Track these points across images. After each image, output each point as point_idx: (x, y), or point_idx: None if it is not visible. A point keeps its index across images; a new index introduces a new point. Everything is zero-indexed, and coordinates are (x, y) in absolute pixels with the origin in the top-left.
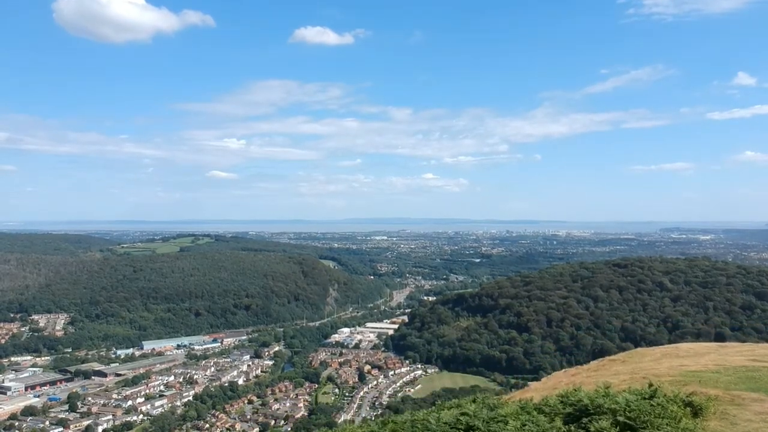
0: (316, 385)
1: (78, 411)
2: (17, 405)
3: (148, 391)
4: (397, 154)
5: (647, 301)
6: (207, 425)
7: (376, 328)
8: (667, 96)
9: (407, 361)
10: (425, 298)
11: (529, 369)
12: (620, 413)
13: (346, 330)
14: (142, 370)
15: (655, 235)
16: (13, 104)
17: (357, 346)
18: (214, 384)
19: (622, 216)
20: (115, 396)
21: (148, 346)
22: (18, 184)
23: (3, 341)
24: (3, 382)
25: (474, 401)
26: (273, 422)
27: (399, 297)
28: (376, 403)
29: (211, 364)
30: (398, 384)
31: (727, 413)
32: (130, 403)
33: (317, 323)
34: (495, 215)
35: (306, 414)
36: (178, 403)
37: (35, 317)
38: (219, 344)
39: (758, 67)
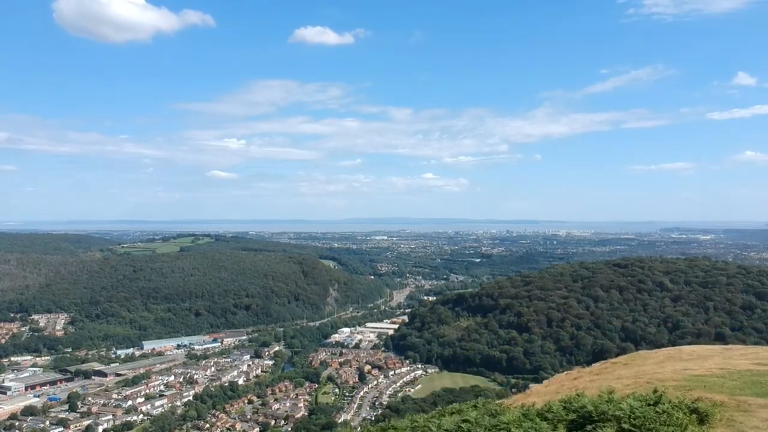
0: (317, 385)
1: (78, 411)
2: (17, 405)
3: (148, 391)
4: (397, 154)
5: (647, 301)
6: (207, 425)
7: (377, 328)
8: (667, 96)
9: (407, 361)
10: (425, 298)
11: (530, 369)
12: (625, 420)
13: (346, 330)
14: (142, 370)
15: (655, 235)
16: (13, 104)
17: (357, 346)
18: (214, 384)
19: (622, 216)
20: (115, 396)
21: (148, 346)
22: (18, 184)
23: (3, 341)
24: (3, 381)
25: (475, 407)
26: (273, 422)
27: (399, 297)
28: (377, 403)
29: (211, 364)
30: (398, 384)
31: (733, 420)
32: (130, 403)
33: (317, 323)
34: (495, 215)
35: (306, 414)
36: (179, 403)
37: (35, 317)
38: (219, 344)
39: (758, 67)
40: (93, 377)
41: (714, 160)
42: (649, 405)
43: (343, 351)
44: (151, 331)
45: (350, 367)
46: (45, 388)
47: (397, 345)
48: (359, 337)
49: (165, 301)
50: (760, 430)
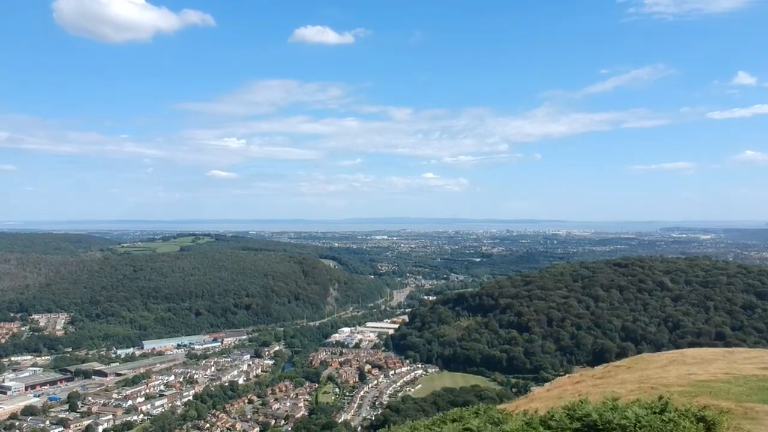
0: (317, 385)
1: (78, 411)
2: (17, 405)
3: (148, 390)
4: (397, 153)
5: (648, 301)
6: (207, 425)
7: (377, 327)
8: (667, 95)
9: (407, 361)
10: (425, 297)
11: (530, 369)
12: (630, 429)
13: (346, 329)
14: (142, 370)
15: (655, 234)
16: (13, 104)
17: (357, 346)
18: (214, 383)
19: (622, 215)
20: (115, 396)
21: (149, 345)
22: (18, 184)
23: (3, 341)
24: (3, 381)
25: (477, 414)
26: (273, 422)
27: (399, 296)
28: (377, 403)
29: (212, 363)
30: (398, 383)
31: (740, 428)
32: (130, 402)
33: (317, 323)
34: (495, 215)
35: (306, 414)
36: (179, 403)
37: (35, 317)
38: (219, 344)
39: (758, 66)
40: (93, 377)
41: (714, 160)
42: (655, 413)
43: (344, 351)
44: (151, 331)
45: (350, 366)
46: (45, 387)
47: (398, 345)
48: (359, 336)
49: (165, 300)
50: None
